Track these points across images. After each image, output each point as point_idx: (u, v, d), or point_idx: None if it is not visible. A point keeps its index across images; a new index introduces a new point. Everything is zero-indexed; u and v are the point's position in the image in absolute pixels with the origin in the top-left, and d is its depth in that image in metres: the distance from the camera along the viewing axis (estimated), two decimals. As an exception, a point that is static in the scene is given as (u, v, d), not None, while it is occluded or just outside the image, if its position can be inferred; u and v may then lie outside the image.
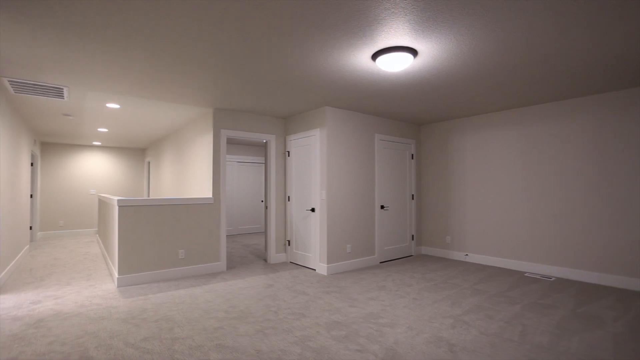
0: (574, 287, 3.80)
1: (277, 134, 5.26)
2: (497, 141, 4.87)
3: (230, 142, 8.05)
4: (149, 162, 8.82)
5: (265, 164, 5.30)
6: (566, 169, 4.20)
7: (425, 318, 2.93)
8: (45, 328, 2.73)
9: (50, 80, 3.48)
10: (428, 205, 5.77)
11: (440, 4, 2.05)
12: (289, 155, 5.25)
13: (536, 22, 2.28)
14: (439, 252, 5.58)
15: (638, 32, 2.41)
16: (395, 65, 2.80)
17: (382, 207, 5.18)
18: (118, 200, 3.88)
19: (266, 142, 5.28)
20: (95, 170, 8.50)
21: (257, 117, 5.06)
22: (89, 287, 3.83)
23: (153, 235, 4.12)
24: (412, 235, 5.67)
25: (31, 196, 7.05)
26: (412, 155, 5.73)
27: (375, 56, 2.81)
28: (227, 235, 8.10)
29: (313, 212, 4.70)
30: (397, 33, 2.42)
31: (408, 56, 2.72)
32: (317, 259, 4.61)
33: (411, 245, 5.66)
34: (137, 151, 9.12)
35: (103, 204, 5.87)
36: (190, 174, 5.56)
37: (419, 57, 2.88)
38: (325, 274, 4.42)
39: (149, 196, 8.83)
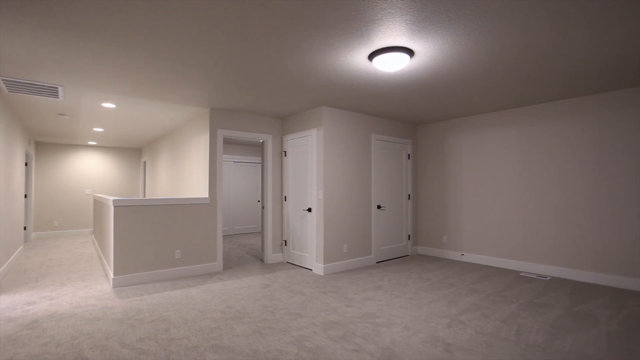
0: (569, 287, 3.82)
1: (273, 134, 5.25)
2: (494, 141, 4.90)
3: (227, 142, 8.03)
4: (144, 162, 8.77)
5: (262, 164, 5.30)
6: (564, 169, 4.22)
7: (422, 318, 2.94)
8: (39, 329, 2.71)
9: (45, 80, 3.45)
10: (424, 205, 5.79)
11: (437, 5, 2.06)
12: (285, 155, 5.24)
13: (533, 22, 2.29)
14: (435, 252, 5.60)
15: (638, 32, 2.42)
16: (391, 65, 2.81)
17: (378, 207, 5.19)
18: (114, 201, 3.86)
19: (263, 142, 5.27)
20: (90, 170, 8.45)
21: (254, 117, 5.05)
22: (84, 288, 3.81)
23: (149, 235, 4.10)
24: (409, 235, 5.69)
25: (25, 196, 6.99)
26: (409, 155, 5.75)
27: (372, 56, 2.81)
28: (223, 236, 8.08)
29: (310, 212, 4.70)
30: (393, 33, 2.43)
31: (404, 56, 2.73)
32: (313, 259, 4.61)
33: (407, 245, 5.68)
34: (133, 151, 9.07)
35: (98, 204, 5.83)
36: (186, 173, 5.53)
37: (415, 57, 2.89)
38: (322, 274, 4.43)
39: (144, 196, 8.79)
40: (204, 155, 4.82)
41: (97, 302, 3.35)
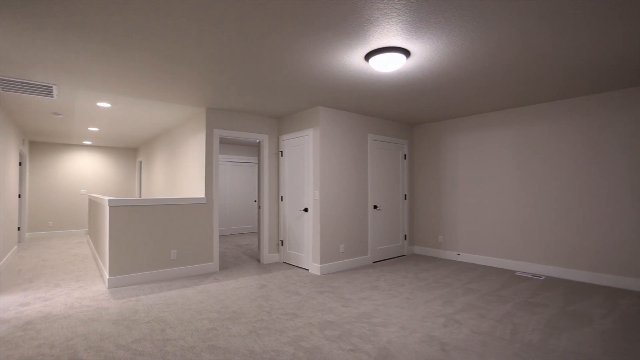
0: (564, 286, 3.85)
1: (270, 134, 5.24)
2: (490, 141, 4.92)
3: (223, 141, 8.00)
4: (140, 162, 8.72)
5: (259, 164, 5.29)
6: (560, 169, 4.24)
7: (418, 317, 2.95)
8: (33, 330, 2.68)
9: (39, 79, 3.42)
10: (420, 205, 5.81)
11: (432, 6, 2.07)
12: (282, 155, 5.23)
13: (531, 23, 2.30)
14: (431, 252, 5.62)
15: (637, 32, 2.42)
16: (388, 65, 2.81)
17: (375, 207, 5.20)
18: (109, 201, 3.83)
19: (259, 142, 5.26)
20: (85, 170, 8.39)
21: (250, 116, 5.04)
22: (78, 289, 3.78)
23: (145, 235, 4.07)
24: (405, 235, 5.70)
25: (19, 196, 6.92)
26: (405, 155, 5.76)
27: (368, 56, 2.82)
28: (220, 236, 8.06)
29: (306, 212, 4.69)
30: (390, 34, 2.44)
31: (401, 57, 2.73)
32: (310, 259, 4.61)
33: (404, 245, 5.69)
34: (129, 151, 9.02)
35: (94, 204, 5.79)
36: (182, 173, 5.51)
37: (411, 58, 2.90)
38: (319, 273, 4.43)
39: (140, 196, 8.74)
40: (200, 155, 4.80)
41: (92, 302, 3.33)
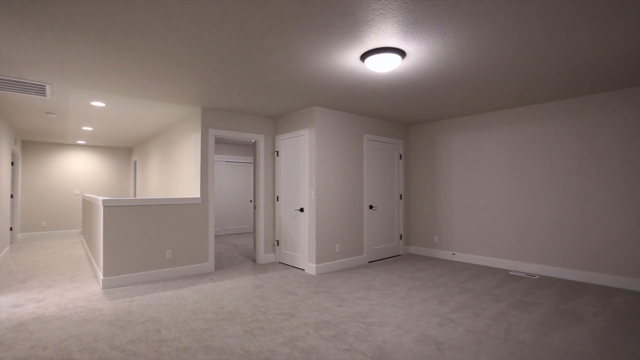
0: (557, 285, 3.89)
1: (266, 134, 5.23)
2: (487, 142, 4.95)
3: (219, 141, 7.97)
4: (135, 162, 8.66)
5: (254, 163, 5.28)
6: (555, 169, 4.27)
7: (413, 317, 2.96)
8: (26, 332, 2.66)
9: (32, 77, 3.38)
10: (416, 205, 5.84)
11: (428, 6, 2.08)
12: (277, 155, 5.23)
13: (527, 23, 2.31)
14: (426, 252, 5.65)
15: (636, 32, 2.42)
16: (383, 66, 2.82)
17: (370, 207, 5.21)
18: (103, 201, 3.80)
19: (255, 141, 5.25)
20: (79, 170, 8.31)
21: (246, 116, 5.03)
22: (72, 290, 3.75)
23: (139, 236, 4.05)
24: (400, 235, 5.73)
25: (12, 196, 6.84)
26: (401, 155, 5.79)
27: (364, 57, 2.82)
28: (215, 236, 8.03)
29: (302, 212, 4.69)
30: (385, 34, 2.45)
31: (396, 57, 2.75)
32: (306, 259, 4.61)
33: (399, 245, 5.71)
34: (123, 150, 8.95)
35: (88, 204, 5.74)
36: (177, 173, 5.48)
37: (407, 58, 2.91)
38: (314, 273, 4.43)
39: (135, 196, 8.68)
40: (195, 155, 4.78)
41: (86, 303, 3.30)
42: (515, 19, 2.24)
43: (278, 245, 5.18)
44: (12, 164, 6.76)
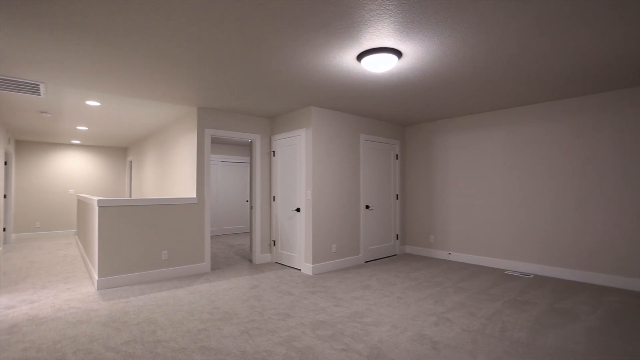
0: (551, 284, 3.92)
1: (262, 134, 5.22)
2: (484, 142, 4.98)
3: (215, 141, 7.95)
4: (130, 162, 8.61)
5: (251, 163, 5.27)
6: (557, 169, 4.26)
7: (409, 316, 2.97)
8: (19, 334, 2.63)
9: (25, 76, 3.35)
10: (412, 205, 5.85)
11: (424, 7, 2.09)
12: (274, 155, 5.22)
13: (525, 24, 2.32)
14: (422, 251, 5.67)
15: (636, 32, 2.43)
16: (380, 66, 2.83)
17: (367, 207, 5.22)
18: (98, 201, 3.77)
19: (251, 141, 5.24)
20: (74, 170, 8.24)
21: (242, 116, 5.02)
22: (67, 291, 3.72)
23: (135, 236, 4.02)
24: (397, 235, 5.74)
25: (5, 196, 6.77)
26: (397, 155, 5.80)
27: (360, 57, 2.83)
28: (211, 236, 8.00)
29: (298, 212, 4.69)
30: (381, 34, 2.45)
31: (392, 57, 2.75)
32: (302, 259, 4.61)
33: (395, 245, 5.73)
34: (119, 150, 8.89)
35: (82, 205, 5.70)
36: (173, 173, 5.46)
37: (403, 59, 2.92)
38: (311, 273, 4.43)
39: (130, 196, 8.63)
40: (191, 155, 4.76)
41: (80, 304, 3.28)
42: (513, 19, 2.25)
43: (274, 245, 5.17)
44: (5, 163, 6.69)
